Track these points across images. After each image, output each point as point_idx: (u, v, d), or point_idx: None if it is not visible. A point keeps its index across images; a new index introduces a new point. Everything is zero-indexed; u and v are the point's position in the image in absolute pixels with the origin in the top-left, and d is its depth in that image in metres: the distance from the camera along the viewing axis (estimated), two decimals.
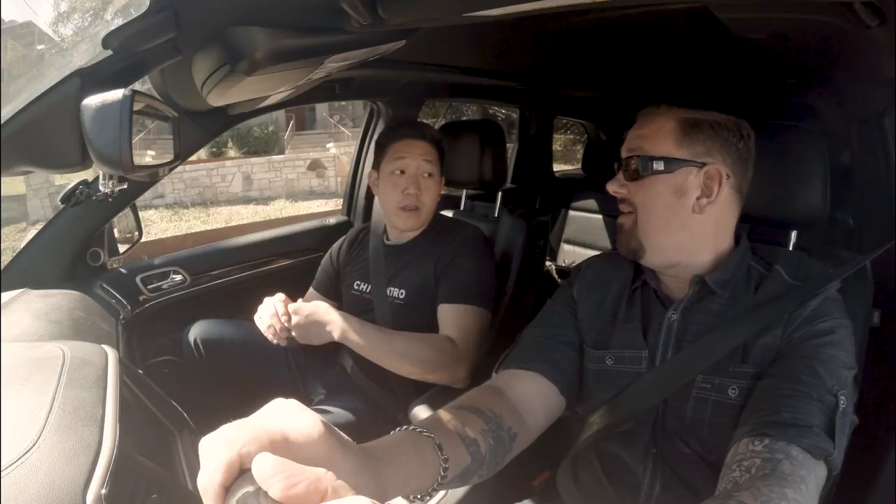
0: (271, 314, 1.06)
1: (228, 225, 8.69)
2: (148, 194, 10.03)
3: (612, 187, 0.78)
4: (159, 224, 9.26)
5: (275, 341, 1.07)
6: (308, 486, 0.25)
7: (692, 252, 0.75)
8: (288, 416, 0.34)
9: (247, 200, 11.05)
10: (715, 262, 0.75)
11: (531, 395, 0.73)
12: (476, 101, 3.49)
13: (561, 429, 0.78)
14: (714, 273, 0.74)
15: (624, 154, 0.77)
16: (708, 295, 0.74)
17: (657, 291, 0.79)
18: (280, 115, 14.49)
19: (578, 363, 0.80)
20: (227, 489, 0.29)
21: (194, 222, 9.45)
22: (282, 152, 13.26)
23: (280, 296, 1.09)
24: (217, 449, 0.30)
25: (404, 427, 0.55)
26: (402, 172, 1.21)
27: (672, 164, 0.72)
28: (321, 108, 16.10)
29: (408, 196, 1.20)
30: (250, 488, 0.28)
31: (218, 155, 12.71)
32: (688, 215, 0.73)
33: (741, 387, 0.67)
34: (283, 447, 0.32)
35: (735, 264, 0.75)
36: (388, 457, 0.48)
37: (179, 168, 10.57)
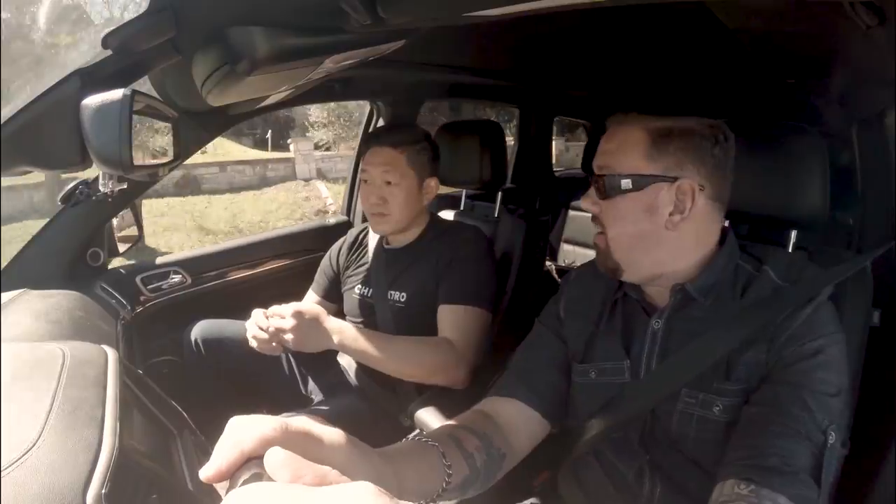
0: (253, 326, 1.05)
1: None
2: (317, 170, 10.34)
3: (585, 204, 0.75)
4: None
5: (257, 348, 1.05)
6: (313, 479, 0.27)
7: (672, 265, 0.72)
8: (315, 423, 0.38)
9: None
10: (699, 268, 0.72)
11: (514, 420, 0.75)
12: (476, 101, 3.48)
13: (561, 429, 0.79)
14: (696, 280, 0.71)
15: (595, 170, 0.74)
16: (691, 301, 0.72)
17: (639, 301, 0.77)
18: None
19: (563, 383, 0.80)
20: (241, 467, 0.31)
21: None
22: None
23: (259, 310, 1.07)
24: (265, 424, 0.32)
25: (411, 437, 0.61)
26: (366, 182, 1.22)
27: (641, 181, 0.68)
28: None
29: (372, 205, 1.21)
30: (256, 470, 0.30)
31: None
32: (661, 233, 0.70)
33: (725, 404, 0.66)
34: (317, 445, 0.36)
35: (720, 267, 0.72)
36: (404, 459, 0.54)
37: (345, 151, 10.99)
